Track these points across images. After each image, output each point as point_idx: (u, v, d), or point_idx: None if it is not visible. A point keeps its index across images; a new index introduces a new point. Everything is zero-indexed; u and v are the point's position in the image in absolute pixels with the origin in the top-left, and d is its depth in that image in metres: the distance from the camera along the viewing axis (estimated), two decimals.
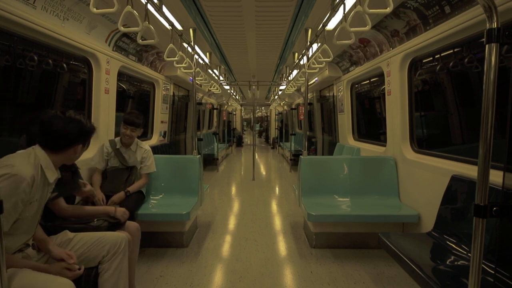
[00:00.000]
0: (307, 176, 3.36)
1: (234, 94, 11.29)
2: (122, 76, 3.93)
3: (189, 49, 3.71)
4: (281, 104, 12.51)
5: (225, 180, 6.78)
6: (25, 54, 2.46)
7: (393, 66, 3.22)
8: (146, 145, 2.99)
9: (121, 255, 1.76)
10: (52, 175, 1.53)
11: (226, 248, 3.09)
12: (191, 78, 4.12)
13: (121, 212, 2.17)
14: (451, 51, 2.64)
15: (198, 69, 4.35)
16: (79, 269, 1.55)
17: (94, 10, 1.90)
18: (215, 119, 11.56)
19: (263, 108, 20.78)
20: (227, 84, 8.26)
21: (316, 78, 5.81)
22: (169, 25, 2.87)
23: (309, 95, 6.89)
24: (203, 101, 7.93)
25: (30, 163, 1.42)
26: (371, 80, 4.39)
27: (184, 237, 3.06)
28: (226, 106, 12.81)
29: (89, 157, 2.86)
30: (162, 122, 5.11)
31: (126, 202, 2.59)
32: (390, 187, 3.21)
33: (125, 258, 1.80)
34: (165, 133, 5.29)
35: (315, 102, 7.05)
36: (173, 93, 5.63)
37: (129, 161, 2.87)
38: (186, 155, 5.75)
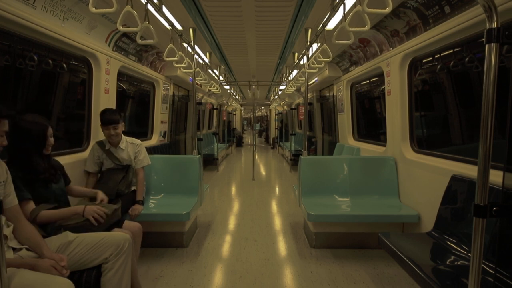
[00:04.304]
0: (307, 176, 3.36)
1: (234, 94, 11.29)
2: (122, 76, 3.93)
3: (189, 49, 3.70)
4: (281, 104, 12.51)
5: (225, 180, 6.78)
6: (25, 54, 2.46)
7: (393, 66, 3.21)
8: (137, 140, 2.93)
9: (124, 255, 1.77)
10: None
11: (226, 248, 3.09)
12: (191, 78, 4.12)
13: (90, 211, 1.93)
14: (451, 51, 2.64)
15: (198, 69, 4.35)
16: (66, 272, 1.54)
17: (93, 9, 1.90)
18: (215, 119, 11.56)
19: (263, 107, 20.79)
20: (227, 84, 8.26)
21: (316, 78, 5.81)
22: (169, 25, 2.86)
23: (309, 95, 6.89)
24: (203, 101, 7.93)
25: None
26: (371, 80, 4.39)
27: (184, 237, 3.06)
28: (226, 106, 12.81)
29: (84, 158, 2.85)
30: (162, 122, 5.11)
31: (122, 202, 2.56)
32: (390, 187, 3.20)
33: (129, 258, 1.81)
34: (165, 133, 5.28)
35: (315, 102, 7.05)
36: (173, 93, 5.63)
37: (123, 161, 2.79)
38: (186, 155, 5.75)
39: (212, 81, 6.29)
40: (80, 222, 1.93)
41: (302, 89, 6.25)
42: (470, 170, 2.25)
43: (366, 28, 2.13)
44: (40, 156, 1.91)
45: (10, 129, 1.57)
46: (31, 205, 1.81)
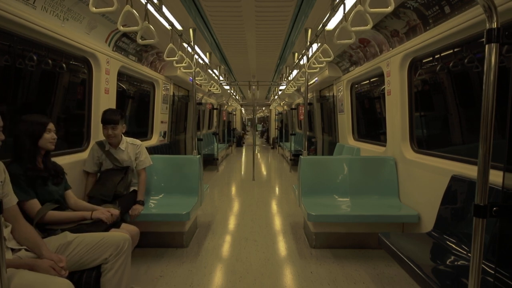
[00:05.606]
0: (307, 176, 3.36)
1: (234, 94, 11.29)
2: (122, 76, 3.93)
3: (189, 49, 3.70)
4: (281, 104, 12.51)
5: (225, 180, 6.78)
6: (25, 54, 2.46)
7: (393, 66, 3.21)
8: (137, 140, 2.92)
9: (124, 255, 1.78)
10: None
11: (226, 248, 3.09)
12: (191, 78, 4.13)
13: (98, 212, 2.03)
14: (451, 51, 2.64)
15: (198, 69, 4.35)
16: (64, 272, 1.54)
17: (93, 9, 1.90)
18: (215, 119, 11.56)
19: (264, 108, 20.80)
20: (227, 84, 8.26)
21: (316, 78, 5.81)
22: (169, 25, 2.86)
23: (309, 95, 6.89)
24: (203, 101, 7.93)
25: None
26: (371, 80, 4.39)
27: (184, 237, 3.06)
28: (226, 106, 12.82)
29: (84, 158, 2.84)
30: (162, 122, 5.11)
31: (122, 203, 2.54)
32: (390, 187, 3.20)
33: (128, 259, 1.82)
34: (165, 133, 5.29)
35: (315, 102, 7.05)
36: (173, 93, 5.63)
37: (123, 162, 2.77)
38: (186, 155, 5.75)
39: (212, 81, 6.29)
40: (74, 225, 1.93)
41: (302, 89, 6.25)
42: (470, 170, 2.25)
43: (368, 27, 2.12)
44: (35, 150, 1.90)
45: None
46: (37, 204, 1.81)
